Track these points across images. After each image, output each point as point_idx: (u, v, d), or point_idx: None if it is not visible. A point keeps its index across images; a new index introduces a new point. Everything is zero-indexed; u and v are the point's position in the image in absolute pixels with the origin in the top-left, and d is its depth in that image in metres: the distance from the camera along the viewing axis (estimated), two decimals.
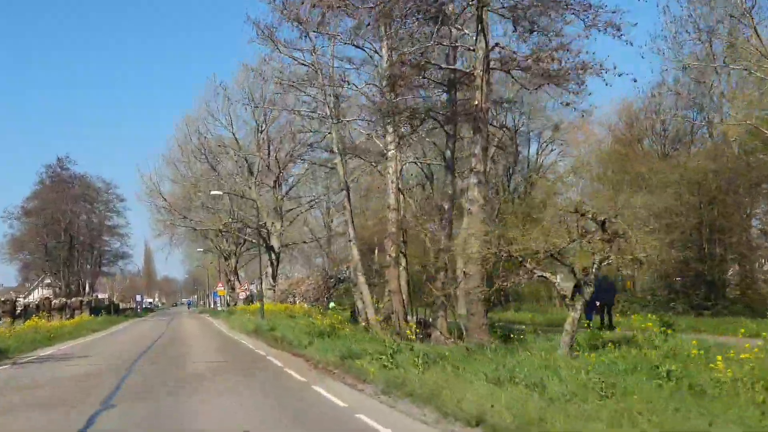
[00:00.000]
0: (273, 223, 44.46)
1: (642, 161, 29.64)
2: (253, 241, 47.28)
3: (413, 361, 11.39)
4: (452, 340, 17.40)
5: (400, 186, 21.33)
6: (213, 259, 68.29)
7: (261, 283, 35.59)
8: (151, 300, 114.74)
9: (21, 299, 41.66)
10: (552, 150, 40.19)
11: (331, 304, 33.12)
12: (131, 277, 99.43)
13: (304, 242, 49.03)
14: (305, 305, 35.55)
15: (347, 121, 21.29)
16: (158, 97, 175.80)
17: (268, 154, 45.82)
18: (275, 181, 44.88)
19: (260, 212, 42.44)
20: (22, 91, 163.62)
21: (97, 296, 70.10)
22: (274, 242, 44.19)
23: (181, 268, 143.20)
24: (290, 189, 46.57)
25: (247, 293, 52.74)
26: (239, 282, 57.23)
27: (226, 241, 55.47)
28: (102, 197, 61.58)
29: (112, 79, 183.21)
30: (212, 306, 75.04)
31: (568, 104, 17.56)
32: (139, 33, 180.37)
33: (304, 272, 60.55)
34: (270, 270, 43.90)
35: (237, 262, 57.73)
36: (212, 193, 37.44)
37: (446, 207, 18.94)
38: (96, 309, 52.27)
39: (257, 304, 45.49)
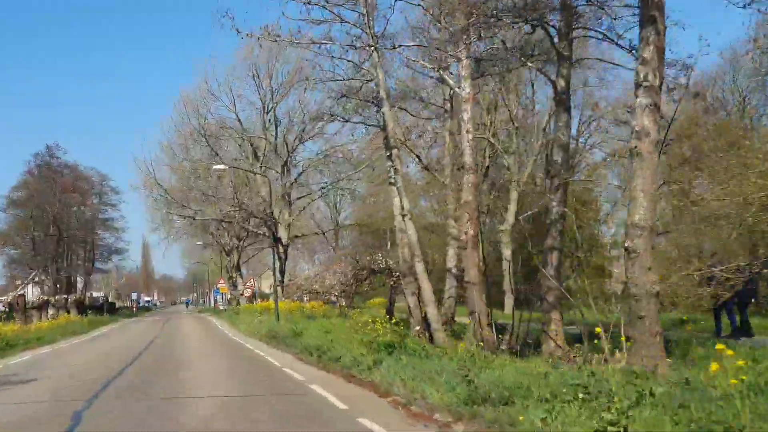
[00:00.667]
0: (281, 212, 37.86)
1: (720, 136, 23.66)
2: (258, 232, 40.65)
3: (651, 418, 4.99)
4: (578, 356, 10.84)
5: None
6: (213, 255, 61.43)
7: (273, 279, 28.89)
8: (149, 298, 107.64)
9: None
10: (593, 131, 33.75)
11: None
12: (128, 274, 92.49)
13: (315, 233, 42.29)
14: (315, 303, 28.97)
15: (401, 47, 14.74)
16: (158, 87, 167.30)
17: (275, 136, 39.25)
18: (283, 166, 38.29)
19: (269, 195, 35.58)
20: (10, 76, 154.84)
21: (91, 294, 63.24)
22: (282, 233, 37.51)
23: (180, 266, 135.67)
24: (300, 174, 39.85)
25: (252, 290, 45.87)
26: (242, 278, 50.30)
27: (228, 234, 48.82)
28: (95, 189, 54.87)
29: (110, 66, 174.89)
30: (213, 304, 67.94)
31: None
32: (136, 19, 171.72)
33: (308, 269, 54.03)
34: (278, 264, 37.20)
35: (239, 257, 50.94)
36: (215, 167, 30.85)
37: (558, 159, 12.50)
38: (85, 308, 45.35)
39: (261, 303, 39.00)
